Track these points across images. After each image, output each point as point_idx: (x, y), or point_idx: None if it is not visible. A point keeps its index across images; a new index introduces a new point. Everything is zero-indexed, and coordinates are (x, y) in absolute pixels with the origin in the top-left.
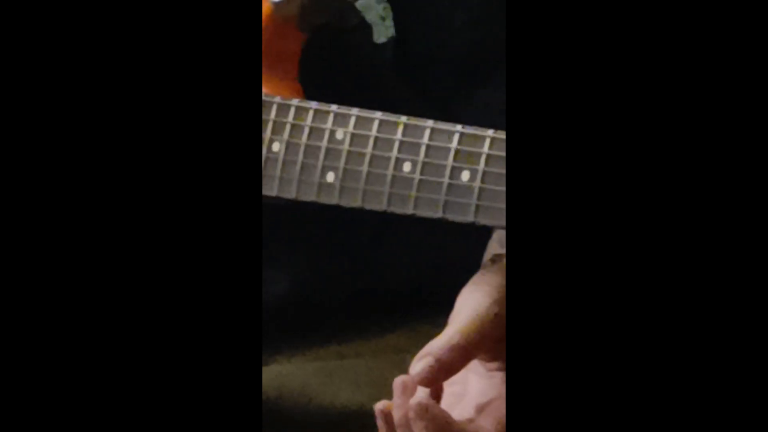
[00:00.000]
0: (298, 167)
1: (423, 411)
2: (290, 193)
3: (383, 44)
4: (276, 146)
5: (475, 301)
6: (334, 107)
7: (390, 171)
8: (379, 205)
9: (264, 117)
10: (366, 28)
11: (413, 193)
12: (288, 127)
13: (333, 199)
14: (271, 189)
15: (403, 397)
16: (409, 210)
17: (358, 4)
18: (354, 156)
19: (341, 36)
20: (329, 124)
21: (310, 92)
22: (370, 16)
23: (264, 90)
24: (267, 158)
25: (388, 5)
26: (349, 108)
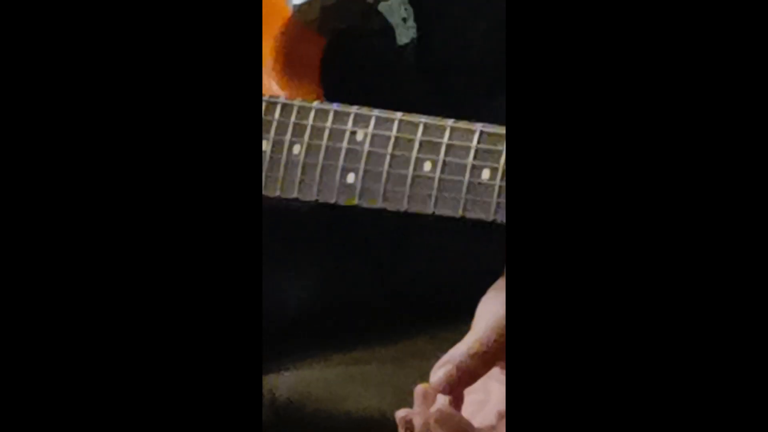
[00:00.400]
0: (318, 169)
1: (444, 418)
2: (311, 195)
3: (405, 48)
4: (297, 149)
5: (495, 309)
6: (354, 108)
7: (410, 171)
8: (399, 205)
9: (285, 120)
10: (387, 31)
11: (434, 192)
12: (308, 130)
13: (353, 201)
14: (291, 191)
15: (424, 405)
16: (429, 209)
17: (379, 7)
18: (374, 157)
19: (362, 40)
20: (349, 126)
21: (331, 96)
22: (392, 18)
23: (285, 93)
24: (287, 161)
25: (410, 7)
26: (370, 109)
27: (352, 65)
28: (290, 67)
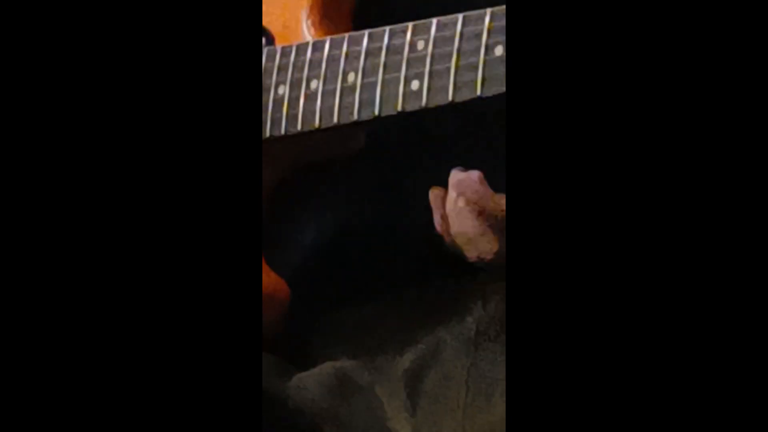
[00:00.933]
0: (378, 86)
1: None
2: (371, 113)
3: (429, 5)
4: (351, 77)
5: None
6: (410, 23)
7: (481, 56)
8: (472, 93)
9: (334, 53)
10: None
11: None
12: (363, 54)
13: (419, 104)
14: (350, 116)
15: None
16: (503, 88)
17: None
18: (440, 57)
19: None
20: (408, 38)
21: None
22: None
23: None
24: (342, 89)
25: None
26: (428, 19)
27: (381, 19)
28: (324, 20)
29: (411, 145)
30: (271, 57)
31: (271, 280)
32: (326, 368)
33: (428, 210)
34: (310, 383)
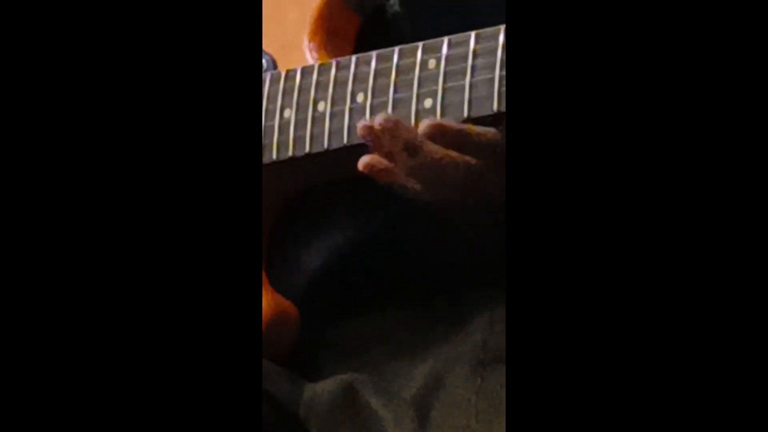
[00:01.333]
0: (389, 106)
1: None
2: None
3: (420, 30)
4: (360, 97)
5: None
6: (420, 42)
7: (497, 73)
8: (488, 108)
9: (341, 74)
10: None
11: None
12: (372, 75)
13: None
14: (359, 137)
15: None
16: None
17: None
18: (452, 74)
19: (388, 21)
20: (419, 57)
21: None
22: None
23: None
24: (351, 109)
25: None
26: (438, 38)
27: (383, 44)
28: (328, 42)
29: None
30: (275, 81)
31: (281, 300)
32: (335, 382)
33: (431, 229)
34: (319, 395)
